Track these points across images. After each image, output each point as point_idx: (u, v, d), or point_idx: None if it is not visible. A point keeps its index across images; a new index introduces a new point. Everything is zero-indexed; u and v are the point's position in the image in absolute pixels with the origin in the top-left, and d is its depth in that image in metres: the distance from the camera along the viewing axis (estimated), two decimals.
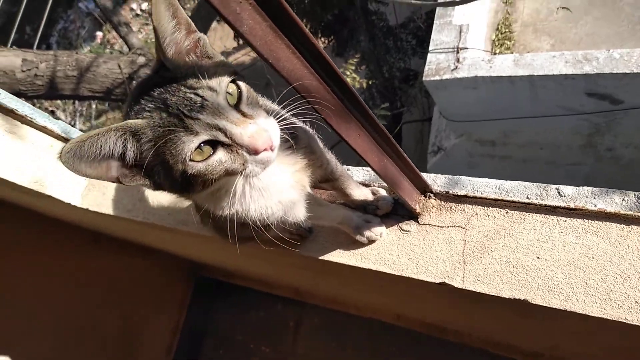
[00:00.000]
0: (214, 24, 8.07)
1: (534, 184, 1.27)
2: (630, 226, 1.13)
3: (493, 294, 1.19)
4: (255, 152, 0.83)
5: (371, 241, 1.33)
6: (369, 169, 1.45)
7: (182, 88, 0.81)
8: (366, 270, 1.33)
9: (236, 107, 0.86)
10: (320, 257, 1.38)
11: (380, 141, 1.06)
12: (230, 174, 0.87)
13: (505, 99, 4.24)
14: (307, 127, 1.13)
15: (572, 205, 1.19)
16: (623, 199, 1.17)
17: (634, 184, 4.14)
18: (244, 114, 0.86)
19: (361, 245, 1.34)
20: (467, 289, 1.21)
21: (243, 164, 0.85)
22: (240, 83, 0.88)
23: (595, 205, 1.17)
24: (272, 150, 0.86)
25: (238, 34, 0.67)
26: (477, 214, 1.27)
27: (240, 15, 0.65)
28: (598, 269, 1.12)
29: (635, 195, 1.16)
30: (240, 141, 0.83)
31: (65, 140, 1.70)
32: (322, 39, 6.86)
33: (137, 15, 10.35)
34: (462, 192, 1.31)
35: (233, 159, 0.85)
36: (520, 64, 3.98)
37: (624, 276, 1.09)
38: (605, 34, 4.38)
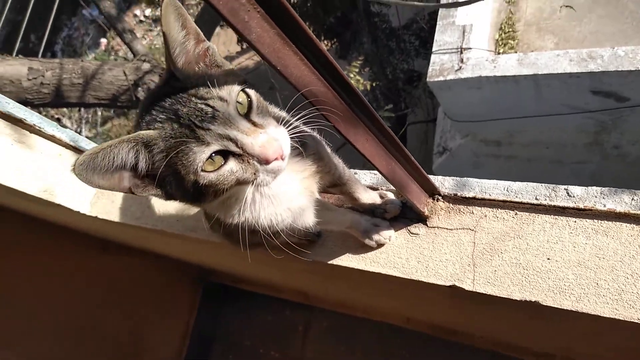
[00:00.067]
0: (217, 29, 8.10)
1: (543, 184, 1.26)
2: None
3: (504, 296, 1.19)
4: (266, 161, 0.84)
5: (380, 245, 1.33)
6: (376, 172, 1.45)
7: (193, 99, 0.82)
8: (375, 274, 1.33)
9: (246, 116, 0.86)
10: (329, 262, 1.38)
11: (388, 145, 1.06)
12: (241, 183, 0.87)
13: (509, 98, 4.23)
14: (315, 133, 1.13)
15: (581, 206, 1.18)
16: (632, 199, 1.16)
17: None
18: (254, 124, 0.86)
19: (370, 249, 1.34)
20: (478, 291, 1.21)
21: (254, 174, 0.86)
22: (250, 92, 0.88)
23: (605, 205, 1.17)
24: (282, 159, 0.86)
25: (246, 42, 0.68)
26: (485, 216, 1.27)
27: (248, 24, 0.66)
28: (609, 269, 1.11)
29: None
30: (252, 151, 0.83)
31: (74, 148, 1.71)
32: (325, 41, 6.87)
33: (141, 21, 10.40)
34: (471, 194, 1.30)
35: (244, 169, 0.85)
36: (524, 63, 3.98)
37: (635, 276, 1.08)
38: (610, 32, 4.36)
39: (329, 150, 1.20)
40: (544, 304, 1.14)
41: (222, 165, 0.84)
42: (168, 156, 0.82)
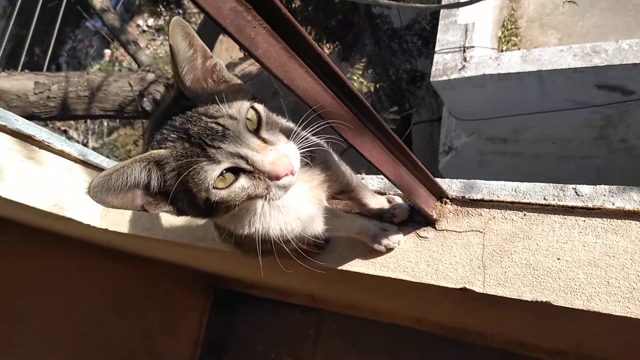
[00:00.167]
0: (220, 36, 8.14)
1: (551, 184, 1.26)
2: None
3: (515, 297, 1.19)
4: (276, 177, 0.85)
5: (389, 249, 1.33)
6: (383, 177, 1.45)
7: (204, 117, 0.83)
8: (385, 278, 1.34)
9: (256, 132, 0.87)
10: (339, 268, 1.38)
11: (395, 150, 1.06)
12: (252, 198, 0.88)
13: (514, 95, 4.23)
14: (322, 142, 1.14)
15: (590, 205, 1.18)
16: None
17: None
18: (264, 140, 0.87)
19: (379, 253, 1.35)
20: (488, 293, 1.21)
21: (267, 188, 0.87)
22: (259, 107, 0.89)
23: (614, 204, 1.16)
24: (293, 174, 0.87)
25: (253, 58, 0.69)
26: (494, 218, 1.27)
27: (255, 40, 0.67)
28: (619, 268, 1.11)
29: None
30: (262, 168, 0.84)
31: (83, 162, 1.73)
32: (327, 44, 6.88)
33: (144, 31, 10.47)
34: (479, 196, 1.31)
35: (256, 185, 0.86)
36: (528, 60, 3.97)
37: None
38: (613, 25, 4.34)
39: (336, 158, 1.21)
40: (555, 304, 1.15)
41: (233, 182, 0.85)
42: (180, 174, 0.83)
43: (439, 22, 4.58)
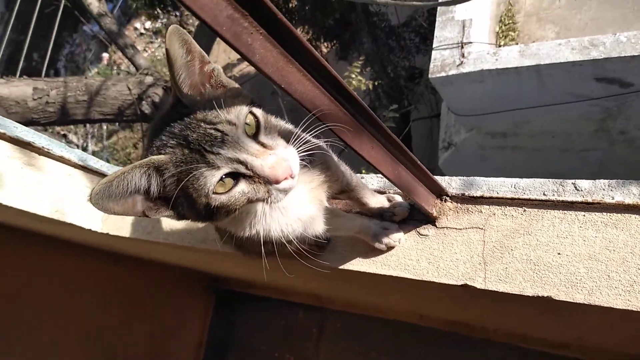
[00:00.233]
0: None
1: (550, 180, 1.27)
2: None
3: (516, 293, 1.19)
4: (276, 181, 0.86)
5: (390, 248, 1.34)
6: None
7: (202, 124, 0.83)
8: (386, 276, 1.34)
9: (255, 137, 0.88)
10: (341, 267, 1.39)
11: (393, 150, 1.07)
12: (253, 201, 0.89)
13: (512, 90, 4.23)
14: (322, 143, 1.14)
15: (589, 199, 1.19)
16: None
17: None
18: (263, 145, 0.88)
19: (380, 252, 1.35)
20: (490, 289, 1.22)
21: (267, 192, 0.88)
22: (258, 112, 0.90)
23: (613, 198, 1.17)
24: (292, 177, 0.88)
25: (251, 64, 0.69)
26: (494, 214, 1.28)
27: (252, 46, 0.67)
28: (620, 262, 1.12)
29: None
30: (261, 173, 0.85)
31: (83, 168, 1.74)
32: (325, 43, 6.89)
33: (142, 34, 10.47)
34: (478, 193, 1.31)
35: (256, 189, 0.87)
36: (526, 55, 3.97)
37: None
38: (611, 18, 4.34)
39: (335, 158, 1.21)
40: (557, 298, 1.15)
41: (232, 187, 0.86)
42: (180, 180, 0.84)
43: (436, 19, 4.58)
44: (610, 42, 3.59)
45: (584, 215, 1.19)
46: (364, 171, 2.90)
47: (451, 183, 1.36)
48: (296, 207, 1.07)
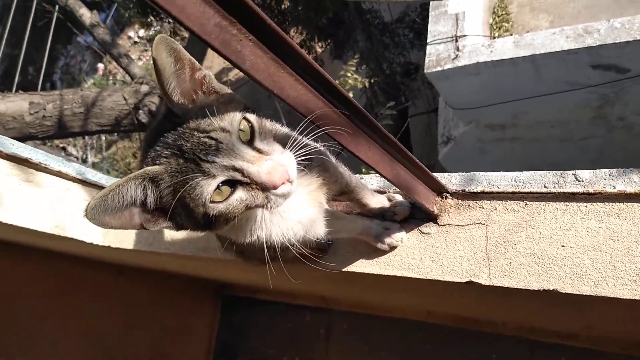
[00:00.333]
0: None
1: (550, 172, 1.26)
2: None
3: (521, 287, 1.19)
4: (273, 187, 0.85)
5: (392, 247, 1.33)
6: None
7: (196, 133, 0.82)
8: (390, 277, 1.34)
9: (250, 143, 0.87)
10: (344, 269, 1.38)
11: (391, 149, 1.06)
12: (252, 208, 0.88)
13: (509, 81, 4.22)
14: (319, 145, 1.13)
15: (591, 190, 1.18)
16: None
17: None
18: (259, 150, 0.87)
19: (383, 252, 1.34)
20: (495, 285, 1.21)
21: (265, 198, 0.87)
22: (251, 118, 0.88)
23: (615, 187, 1.16)
24: (290, 182, 0.87)
25: (241, 71, 0.69)
26: (496, 209, 1.27)
27: (241, 53, 0.67)
28: (624, 251, 1.11)
29: None
30: (258, 179, 0.84)
31: (81, 181, 1.73)
32: (320, 43, 6.87)
33: (136, 42, 10.47)
34: (479, 189, 1.30)
35: (254, 196, 0.86)
36: (520, 45, 3.96)
37: None
38: (604, 4, 4.33)
39: (333, 160, 1.20)
40: (563, 291, 1.14)
41: (230, 195, 0.85)
42: (176, 190, 0.83)
43: (430, 14, 4.58)
44: (604, 28, 3.58)
45: (586, 206, 1.18)
46: (364, 170, 2.90)
47: (451, 179, 1.35)
48: (296, 211, 1.06)
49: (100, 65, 9.63)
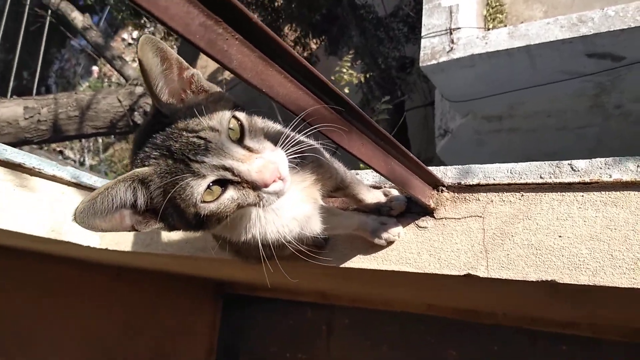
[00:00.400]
0: None
1: (546, 162, 1.25)
2: None
3: (519, 279, 1.18)
4: (265, 185, 0.84)
5: (390, 242, 1.33)
6: None
7: (184, 133, 0.82)
8: (388, 271, 1.33)
9: (240, 141, 0.86)
10: (342, 266, 1.38)
11: (384, 145, 1.05)
12: (244, 207, 0.87)
13: (504, 72, 4.21)
14: (313, 141, 1.13)
15: (587, 179, 1.17)
16: (638, 166, 1.15)
17: None
18: (249, 149, 0.86)
19: (380, 247, 1.34)
20: (493, 277, 1.21)
21: (257, 196, 0.86)
22: (241, 116, 0.88)
23: (611, 176, 1.16)
24: (282, 179, 0.86)
25: (229, 70, 0.68)
26: (492, 201, 1.26)
27: (228, 52, 0.66)
28: (622, 240, 1.11)
29: None
30: (248, 178, 0.83)
31: (76, 185, 1.72)
32: (314, 40, 6.86)
33: (129, 44, 10.43)
34: (475, 181, 1.30)
35: (245, 194, 0.85)
36: (515, 36, 3.95)
37: None
38: None
39: (327, 156, 1.19)
40: (561, 281, 1.14)
41: (221, 195, 0.84)
42: (166, 191, 0.82)
43: (423, 7, 4.56)
44: (598, 17, 3.57)
45: (583, 196, 1.17)
46: (362, 166, 2.89)
47: (447, 173, 1.35)
48: (290, 208, 1.05)
49: (95, 68, 9.60)
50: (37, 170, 1.59)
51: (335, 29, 6.54)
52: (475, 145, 5.08)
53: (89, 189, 1.76)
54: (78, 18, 3.94)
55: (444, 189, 1.32)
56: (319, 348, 3.04)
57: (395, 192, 1.38)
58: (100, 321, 2.60)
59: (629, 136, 4.25)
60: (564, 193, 1.20)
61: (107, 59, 4.07)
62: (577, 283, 1.13)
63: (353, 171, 1.39)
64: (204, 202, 0.83)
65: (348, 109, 0.91)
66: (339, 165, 1.24)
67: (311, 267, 1.43)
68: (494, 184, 1.27)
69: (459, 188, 1.32)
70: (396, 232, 1.31)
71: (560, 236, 1.17)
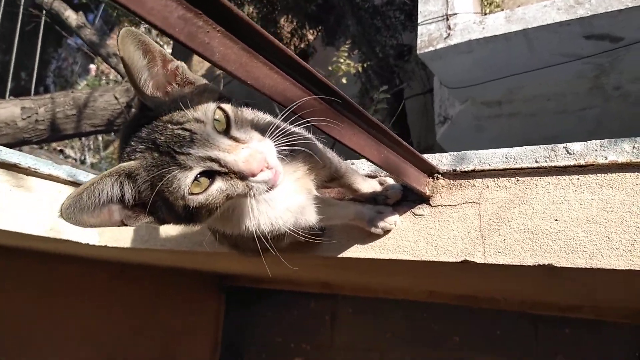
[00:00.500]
0: None
1: (541, 146, 1.24)
2: None
3: (516, 264, 1.18)
4: (252, 175, 0.83)
5: (386, 231, 1.32)
6: None
7: (169, 125, 0.81)
8: (386, 260, 1.33)
9: (226, 132, 0.85)
10: (339, 256, 1.38)
11: (376, 134, 1.05)
12: (233, 198, 0.87)
13: (502, 57, 4.18)
14: (304, 131, 1.12)
15: (582, 162, 1.17)
16: (633, 147, 1.14)
17: None
18: (235, 139, 0.85)
19: (377, 236, 1.34)
20: (490, 262, 1.20)
21: (246, 186, 0.85)
22: (227, 107, 0.87)
23: (606, 158, 1.15)
24: (270, 169, 0.85)
25: (211, 63, 0.67)
26: (488, 187, 1.26)
27: (210, 45, 0.65)
28: (618, 222, 1.10)
29: None
30: (235, 168, 0.83)
31: (73, 183, 1.72)
32: (311, 30, 6.81)
33: None
34: (470, 167, 1.29)
35: (233, 185, 0.85)
36: (512, 20, 3.91)
37: None
38: None
39: (320, 145, 1.19)
40: (558, 265, 1.14)
41: (209, 186, 0.84)
42: (153, 185, 0.82)
43: None
44: None
45: (578, 179, 1.17)
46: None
47: (442, 160, 1.34)
48: (284, 199, 1.05)
49: (93, 66, 9.57)
50: (33, 170, 1.59)
51: (331, 19, 6.48)
52: (475, 132, 5.06)
53: None
54: (72, 16, 3.92)
55: (439, 176, 1.31)
56: (323, 337, 3.06)
57: (391, 181, 1.38)
58: (101, 321, 2.61)
59: (628, 117, 4.23)
60: (559, 176, 1.19)
61: (103, 57, 4.07)
62: (574, 266, 1.13)
63: (348, 161, 1.38)
64: (192, 194, 0.83)
65: (337, 98, 0.90)
66: (332, 155, 1.24)
67: (310, 258, 1.44)
68: (489, 170, 1.27)
69: (455, 175, 1.31)
70: (393, 220, 1.31)
71: (556, 220, 1.16)
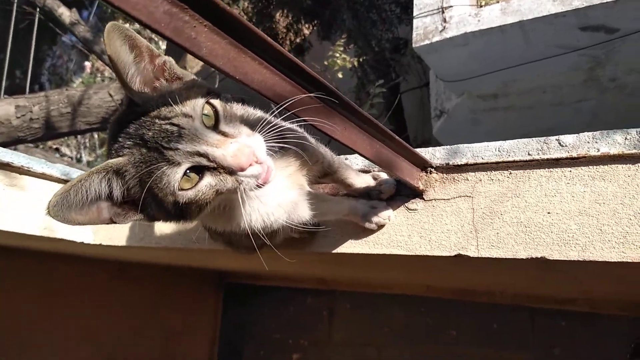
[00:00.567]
0: None
1: (534, 139, 1.24)
2: (637, 164, 1.11)
3: (509, 257, 1.19)
4: (241, 169, 0.83)
5: (380, 226, 1.33)
6: None
7: (157, 121, 0.81)
8: (380, 255, 1.33)
9: (215, 127, 0.85)
10: (334, 251, 1.38)
11: (368, 128, 1.05)
12: (223, 193, 0.86)
13: (498, 49, 4.18)
14: (296, 127, 1.12)
15: (574, 154, 1.17)
16: (625, 138, 1.14)
17: None
18: (224, 134, 0.85)
19: (371, 232, 1.34)
20: (483, 256, 1.21)
21: (235, 181, 0.85)
22: (215, 102, 0.87)
23: (599, 150, 1.15)
24: (259, 163, 0.85)
25: (198, 58, 0.67)
26: (480, 180, 1.26)
27: (196, 40, 0.65)
28: (610, 214, 1.10)
29: (637, 132, 1.14)
30: (224, 162, 0.82)
31: (66, 182, 1.72)
32: (306, 25, 6.78)
33: None
34: (463, 161, 1.29)
35: (223, 180, 0.84)
36: (508, 12, 3.91)
37: (637, 216, 1.08)
38: None
39: (313, 141, 1.18)
40: (551, 258, 1.14)
41: (198, 182, 0.83)
42: (142, 181, 0.82)
43: None
44: None
45: (571, 171, 1.17)
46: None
47: (435, 154, 1.34)
48: (275, 195, 1.04)
49: (87, 64, 9.52)
50: (25, 168, 1.58)
51: (327, 13, 6.46)
52: (472, 125, 5.06)
53: None
54: (65, 14, 3.90)
55: (432, 170, 1.31)
56: (321, 333, 3.07)
57: (384, 176, 1.38)
58: (101, 321, 2.61)
59: (624, 109, 4.24)
60: (552, 169, 1.19)
61: (97, 54, 4.05)
62: (567, 259, 1.13)
63: (342, 156, 1.38)
64: (182, 189, 0.82)
65: (328, 93, 0.90)
66: (325, 150, 1.23)
67: (305, 254, 1.44)
68: (482, 163, 1.27)
69: (448, 168, 1.31)
70: (386, 215, 1.31)
71: (549, 212, 1.16)
